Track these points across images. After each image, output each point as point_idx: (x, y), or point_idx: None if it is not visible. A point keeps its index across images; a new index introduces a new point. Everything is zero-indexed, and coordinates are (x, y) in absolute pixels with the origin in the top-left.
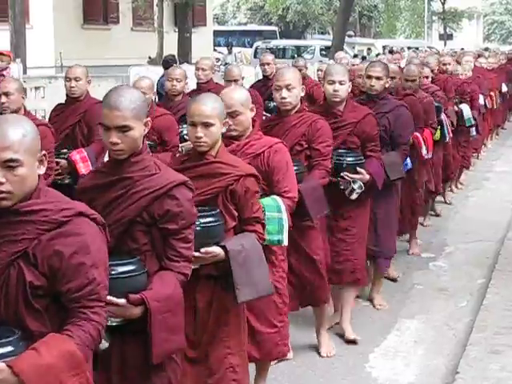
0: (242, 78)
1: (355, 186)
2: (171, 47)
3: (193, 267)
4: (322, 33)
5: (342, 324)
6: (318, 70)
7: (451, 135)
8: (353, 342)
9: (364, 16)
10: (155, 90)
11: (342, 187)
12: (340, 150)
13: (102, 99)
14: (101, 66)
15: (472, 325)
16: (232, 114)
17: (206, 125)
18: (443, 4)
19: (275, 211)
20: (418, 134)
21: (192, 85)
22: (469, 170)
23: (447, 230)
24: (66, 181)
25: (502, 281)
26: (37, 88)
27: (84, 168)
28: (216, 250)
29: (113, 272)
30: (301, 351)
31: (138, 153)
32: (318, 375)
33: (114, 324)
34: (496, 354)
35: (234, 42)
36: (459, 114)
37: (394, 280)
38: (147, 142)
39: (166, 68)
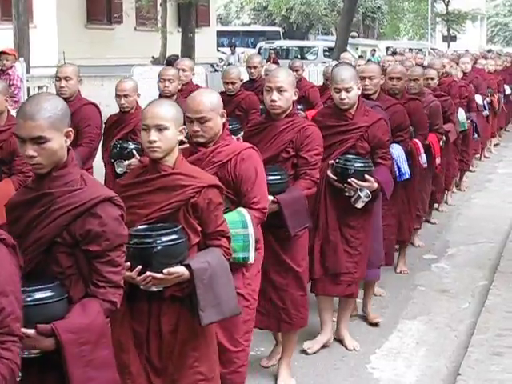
0: (241, 80)
1: (362, 194)
2: (174, 47)
3: (155, 289)
4: (326, 34)
5: (340, 333)
6: (324, 74)
7: (450, 141)
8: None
9: (367, 17)
10: (158, 91)
11: (347, 194)
12: (348, 155)
13: (93, 100)
14: (104, 65)
15: (474, 326)
16: (200, 120)
17: (160, 128)
18: (447, 6)
19: (240, 227)
20: (417, 141)
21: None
22: (471, 172)
23: (450, 232)
24: None
25: (504, 283)
26: (40, 87)
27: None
28: (180, 270)
29: (27, 299)
30: (302, 353)
31: (62, 166)
32: (320, 376)
33: (32, 355)
34: (498, 356)
35: (237, 42)
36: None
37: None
38: (134, 145)
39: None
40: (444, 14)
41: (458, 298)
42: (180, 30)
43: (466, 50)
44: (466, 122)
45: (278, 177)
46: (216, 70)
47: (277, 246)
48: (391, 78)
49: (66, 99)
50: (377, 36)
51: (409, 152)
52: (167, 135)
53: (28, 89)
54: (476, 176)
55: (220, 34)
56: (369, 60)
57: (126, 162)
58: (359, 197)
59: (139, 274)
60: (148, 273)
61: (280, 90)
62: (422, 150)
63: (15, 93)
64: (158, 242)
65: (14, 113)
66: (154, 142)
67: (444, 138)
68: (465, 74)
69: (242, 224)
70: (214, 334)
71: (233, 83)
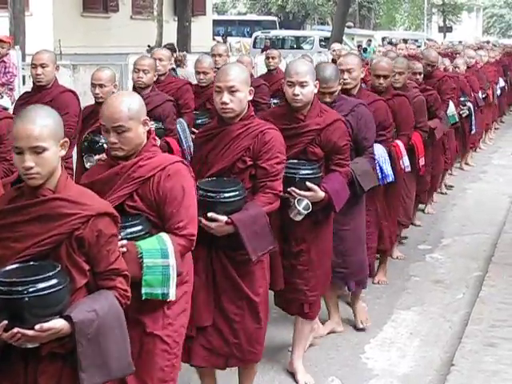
0: (214, 71)
1: (300, 206)
2: (170, 36)
3: (30, 346)
4: (322, 23)
5: (292, 362)
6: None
7: (437, 138)
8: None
9: (364, 7)
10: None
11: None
12: (292, 161)
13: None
14: (100, 54)
15: (468, 317)
16: (117, 130)
17: (37, 151)
18: None
19: (159, 257)
20: (399, 143)
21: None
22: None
23: (444, 222)
24: None
25: (498, 273)
26: None
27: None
28: (57, 324)
29: None
30: None
31: None
32: (314, 366)
33: None
34: (492, 347)
35: (233, 31)
36: None
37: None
38: (103, 140)
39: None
40: (440, 4)
41: (453, 289)
42: (176, 18)
43: (460, 42)
44: (455, 115)
45: (235, 193)
46: None
47: (232, 271)
48: (378, 76)
49: (43, 87)
50: (373, 26)
51: (388, 154)
52: (46, 157)
53: (23, 77)
54: (471, 167)
55: (216, 23)
56: (365, 50)
57: (97, 157)
58: (296, 209)
59: (6, 329)
60: (16, 329)
61: (232, 91)
62: (404, 152)
63: (11, 80)
64: (31, 290)
65: (8, 101)
66: (31, 168)
67: (427, 135)
68: (468, 67)
69: (161, 253)
70: None
71: (205, 73)
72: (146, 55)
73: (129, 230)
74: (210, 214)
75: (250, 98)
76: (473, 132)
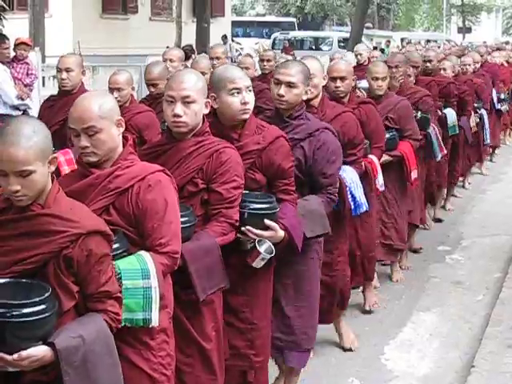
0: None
1: (261, 249)
2: (189, 37)
3: (11, 369)
4: (341, 24)
5: None
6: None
7: (445, 152)
8: None
9: (382, 8)
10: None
11: (248, 247)
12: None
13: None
14: (119, 55)
15: (488, 319)
16: (87, 131)
17: (23, 175)
18: None
19: (139, 278)
20: (373, 159)
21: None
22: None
23: (464, 224)
24: None
25: None
26: (55, 77)
27: (69, 171)
28: (38, 352)
29: None
30: (316, 343)
31: None
32: (334, 366)
33: None
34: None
35: (251, 32)
36: (442, 120)
37: (416, 251)
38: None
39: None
40: (459, 5)
41: (472, 290)
42: (195, 20)
43: (484, 42)
44: (456, 126)
45: (184, 219)
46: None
47: (178, 313)
48: (333, 78)
49: (68, 91)
50: (391, 27)
51: (363, 174)
52: (33, 179)
53: (43, 78)
54: (491, 168)
55: (235, 24)
56: (382, 50)
57: None
58: (258, 253)
59: None
60: None
61: (186, 102)
62: (379, 169)
63: (34, 82)
64: (16, 313)
65: (29, 101)
66: (17, 191)
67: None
68: (473, 71)
69: (142, 274)
70: None
71: (202, 74)
72: (156, 62)
73: None
74: None
75: (207, 111)
76: (487, 143)
